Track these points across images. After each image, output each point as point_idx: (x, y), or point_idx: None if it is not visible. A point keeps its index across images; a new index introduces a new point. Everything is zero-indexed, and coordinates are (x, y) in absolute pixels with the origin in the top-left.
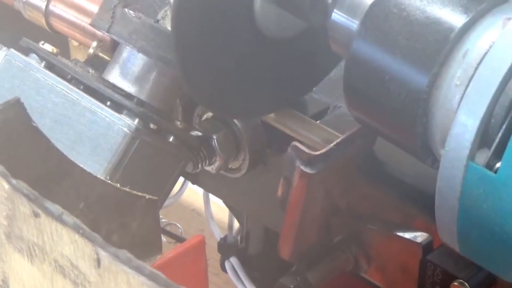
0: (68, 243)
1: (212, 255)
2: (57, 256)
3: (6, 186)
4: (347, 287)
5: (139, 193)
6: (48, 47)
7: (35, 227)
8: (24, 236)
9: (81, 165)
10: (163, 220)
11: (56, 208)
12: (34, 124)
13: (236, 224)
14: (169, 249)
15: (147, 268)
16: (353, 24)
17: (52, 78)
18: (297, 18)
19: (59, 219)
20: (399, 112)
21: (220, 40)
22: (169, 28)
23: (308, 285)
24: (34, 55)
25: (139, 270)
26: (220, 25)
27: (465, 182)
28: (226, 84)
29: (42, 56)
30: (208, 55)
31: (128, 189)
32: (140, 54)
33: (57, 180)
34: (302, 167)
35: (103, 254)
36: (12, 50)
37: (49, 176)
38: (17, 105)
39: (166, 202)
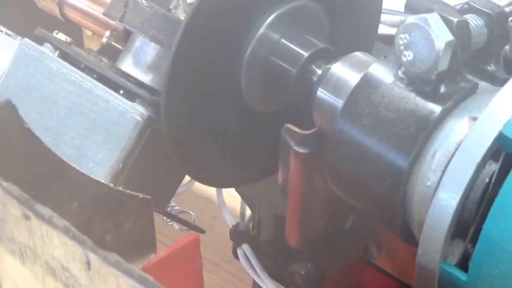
0: (59, 245)
1: (225, 242)
2: (48, 258)
3: None
4: (358, 274)
5: (133, 193)
6: (61, 36)
7: (26, 229)
8: (16, 238)
9: (95, 153)
10: (176, 207)
11: (46, 211)
12: (26, 126)
13: (248, 212)
14: (182, 236)
15: (136, 271)
16: (337, 103)
17: (65, 67)
18: (282, 94)
19: (49, 221)
20: (379, 205)
21: (208, 113)
22: (181, 18)
23: (319, 272)
24: (48, 45)
25: (128, 273)
26: (208, 100)
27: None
28: (213, 155)
29: (56, 45)
30: (196, 128)
31: (121, 189)
32: (152, 43)
33: (50, 181)
34: (296, 148)
35: (93, 257)
36: (26, 39)
37: (42, 177)
38: (8, 107)
39: (179, 190)
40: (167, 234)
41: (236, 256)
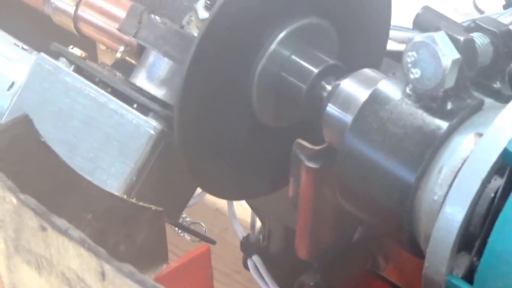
0: (74, 256)
1: (235, 253)
2: (64, 268)
3: (15, 200)
4: (366, 285)
5: (146, 205)
6: (76, 51)
7: (42, 240)
8: (32, 249)
9: (109, 166)
10: (187, 219)
11: (62, 222)
12: (42, 139)
13: (258, 223)
14: (194, 247)
15: (149, 282)
16: (346, 118)
17: (80, 81)
18: (293, 109)
19: (65, 233)
20: (387, 219)
21: (219, 128)
22: (194, 34)
23: (328, 283)
24: (63, 59)
25: (142, 284)
26: (220, 114)
27: None
28: (225, 168)
29: (71, 60)
30: (208, 141)
31: (134, 201)
32: (165, 58)
33: (65, 193)
34: (307, 163)
35: (107, 267)
36: (42, 54)
37: (57, 189)
38: (25, 121)
39: (191, 202)
40: (179, 245)
41: (246, 267)
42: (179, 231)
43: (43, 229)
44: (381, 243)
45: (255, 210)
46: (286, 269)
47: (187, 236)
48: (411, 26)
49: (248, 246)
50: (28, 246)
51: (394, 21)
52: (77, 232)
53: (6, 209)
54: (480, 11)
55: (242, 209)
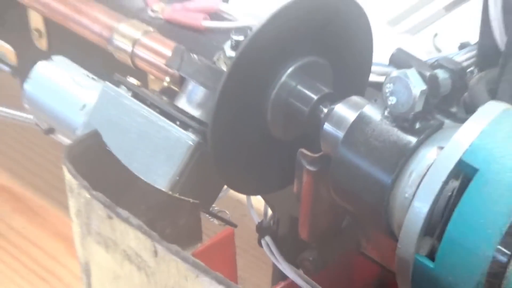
0: (134, 238)
1: (252, 234)
2: (126, 247)
3: (88, 195)
4: (351, 260)
5: (186, 198)
6: (133, 80)
7: (109, 226)
8: (101, 232)
9: (158, 168)
10: (215, 208)
11: (124, 212)
12: (108, 148)
13: (269, 212)
14: (220, 230)
15: (191, 258)
16: (339, 134)
17: (136, 104)
18: (298, 127)
19: (127, 221)
20: (369, 211)
21: (242, 140)
22: (223, 68)
23: (323, 258)
24: (123, 87)
25: (185, 260)
26: (242, 130)
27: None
28: (245, 171)
29: (129, 87)
30: (233, 152)
31: (177, 196)
32: (201, 87)
33: (125, 190)
34: (308, 166)
35: (159, 247)
36: (107, 82)
37: (119, 187)
38: (95, 135)
39: (219, 195)
40: (210, 228)
41: (260, 245)
42: (210, 217)
43: (110, 217)
44: (364, 229)
45: (267, 202)
46: (291, 247)
47: (216, 221)
48: (388, 63)
49: (262, 229)
50: (98, 230)
51: (375, 58)
52: (136, 220)
53: (81, 202)
54: (438, 50)
55: (257, 201)
